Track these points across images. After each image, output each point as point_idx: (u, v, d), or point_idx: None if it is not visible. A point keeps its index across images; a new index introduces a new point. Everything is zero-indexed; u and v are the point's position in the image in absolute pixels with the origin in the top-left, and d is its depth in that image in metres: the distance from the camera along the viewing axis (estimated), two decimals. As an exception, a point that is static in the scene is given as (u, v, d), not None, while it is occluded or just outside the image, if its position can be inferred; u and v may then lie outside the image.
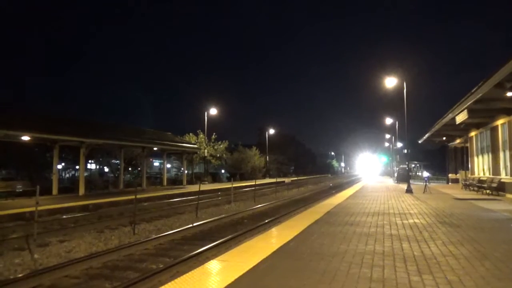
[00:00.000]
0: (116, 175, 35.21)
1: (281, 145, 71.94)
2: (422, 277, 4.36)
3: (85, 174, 27.68)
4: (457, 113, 16.95)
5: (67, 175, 44.62)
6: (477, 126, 20.53)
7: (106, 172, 44.95)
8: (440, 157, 48.05)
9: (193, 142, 38.99)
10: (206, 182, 36.39)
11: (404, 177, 31.95)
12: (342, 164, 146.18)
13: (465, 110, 15.81)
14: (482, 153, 20.67)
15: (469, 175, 23.59)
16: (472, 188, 20.23)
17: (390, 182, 39.74)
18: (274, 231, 8.07)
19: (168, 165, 47.72)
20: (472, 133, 22.43)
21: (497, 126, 17.36)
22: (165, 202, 19.44)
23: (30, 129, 18.60)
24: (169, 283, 4.29)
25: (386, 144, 68.55)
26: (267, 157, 56.34)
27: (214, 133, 42.44)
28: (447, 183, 33.61)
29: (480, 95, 12.85)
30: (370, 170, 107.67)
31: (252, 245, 6.34)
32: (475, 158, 22.18)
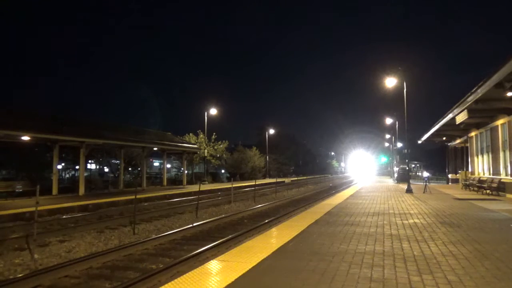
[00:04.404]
0: (116, 175, 35.19)
1: (281, 145, 71.91)
2: (422, 277, 4.36)
3: (85, 174, 27.66)
4: (457, 113, 16.96)
5: (67, 175, 44.50)
6: (477, 126, 20.53)
7: (106, 172, 44.89)
8: (440, 157, 48.02)
9: (193, 142, 38.98)
10: (206, 182, 36.37)
11: (404, 177, 31.97)
12: (342, 164, 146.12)
13: (465, 110, 15.82)
14: (482, 153, 20.67)
15: (469, 175, 23.60)
16: (472, 188, 20.23)
17: (389, 182, 39.75)
18: (274, 231, 8.07)
19: (168, 165, 47.72)
20: (472, 133, 22.43)
21: (497, 126, 17.36)
22: (165, 202, 19.45)
23: (30, 129, 18.60)
24: (169, 283, 4.30)
25: (386, 144, 68.54)
26: (267, 157, 56.32)
27: (214, 133, 42.49)
28: (447, 183, 33.63)
29: (480, 95, 12.86)
30: (367, 170, 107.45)
31: (252, 245, 6.34)
32: (475, 158, 22.18)
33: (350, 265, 4.92)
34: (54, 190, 20.90)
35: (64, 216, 13.98)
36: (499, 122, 16.93)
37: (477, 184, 19.26)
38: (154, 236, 9.83)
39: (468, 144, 24.47)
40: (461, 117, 16.68)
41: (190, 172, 41.25)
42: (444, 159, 36.77)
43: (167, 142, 30.76)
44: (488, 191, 17.33)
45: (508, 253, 5.59)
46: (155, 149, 31.41)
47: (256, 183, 27.38)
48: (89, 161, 39.95)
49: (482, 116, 17.45)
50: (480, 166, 21.20)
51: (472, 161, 23.02)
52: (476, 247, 5.97)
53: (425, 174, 45.76)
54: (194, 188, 25.30)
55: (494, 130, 17.99)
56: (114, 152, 33.36)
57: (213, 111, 40.06)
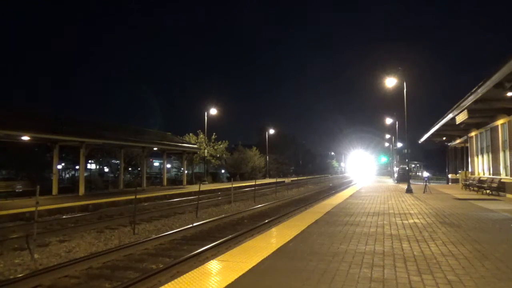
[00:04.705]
0: (116, 175, 35.20)
1: (281, 145, 71.89)
2: (422, 277, 4.36)
3: (85, 174, 27.65)
4: (457, 113, 16.95)
5: (67, 175, 44.50)
6: (477, 126, 20.53)
7: (106, 172, 44.90)
8: (440, 157, 48.04)
9: (193, 142, 38.99)
10: (206, 182, 36.38)
11: (404, 177, 32.01)
12: (342, 164, 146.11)
13: (465, 110, 15.82)
14: (482, 153, 20.67)
15: (469, 175, 23.60)
16: (472, 188, 20.23)
17: (389, 182, 39.76)
18: (274, 231, 8.07)
19: (168, 165, 47.71)
20: (472, 133, 22.43)
21: (497, 126, 17.36)
22: (165, 202, 19.45)
23: (30, 129, 18.60)
24: (169, 283, 4.30)
25: (386, 144, 68.55)
26: (267, 157, 56.32)
27: (214, 133, 42.50)
28: (447, 183, 33.63)
29: (480, 95, 12.85)
30: (367, 170, 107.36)
31: (252, 245, 6.34)
32: (475, 158, 22.18)
33: (350, 265, 4.92)
34: (54, 190, 20.90)
35: (64, 216, 13.99)
36: (499, 122, 16.93)
37: (477, 184, 19.26)
38: (154, 236, 9.83)
39: (468, 144, 24.47)
40: (461, 117, 16.67)
41: (190, 172, 41.25)
42: (444, 159, 36.78)
43: (167, 142, 30.77)
44: (488, 191, 17.33)
45: (508, 253, 5.59)
46: (155, 149, 31.41)
47: (256, 183, 27.39)
48: (89, 161, 39.94)
49: (482, 116, 17.45)
50: (480, 166, 21.20)
51: (472, 161, 23.02)
52: (476, 247, 5.97)
53: (425, 174, 45.82)
54: (194, 188, 25.30)
55: (494, 130, 17.99)
56: (114, 152, 33.38)
57: (213, 111, 40.07)
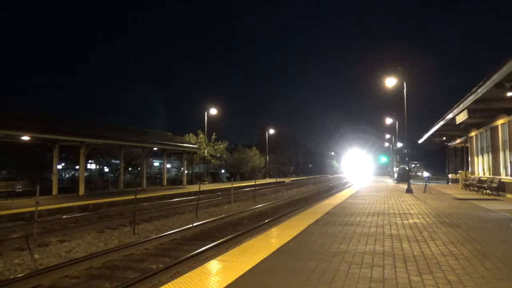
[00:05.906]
0: (116, 175, 35.21)
1: (281, 145, 71.96)
2: (422, 277, 4.36)
3: (85, 174, 27.67)
4: (457, 113, 16.95)
5: (67, 175, 44.54)
6: (477, 126, 20.53)
7: (106, 172, 44.93)
8: (440, 157, 48.07)
9: (193, 142, 38.96)
10: (206, 182, 36.38)
11: (404, 177, 32.00)
12: (342, 164, 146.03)
13: (465, 110, 15.82)
14: (482, 153, 20.68)
15: (469, 175, 23.60)
16: (472, 188, 20.23)
17: (389, 182, 39.76)
18: (274, 231, 8.06)
19: (168, 165, 47.70)
20: (472, 133, 22.43)
21: (497, 126, 17.36)
22: (165, 202, 19.45)
23: (30, 129, 18.60)
24: (169, 283, 4.30)
25: (386, 144, 68.58)
26: (267, 157, 56.32)
27: (214, 133, 42.44)
28: (447, 183, 33.63)
29: (480, 95, 12.85)
30: (367, 170, 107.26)
31: (252, 245, 6.33)
32: (475, 158, 22.19)
33: (350, 265, 4.92)
34: (54, 190, 20.90)
35: (64, 216, 13.99)
36: (499, 122, 16.93)
37: (477, 184, 19.26)
38: (154, 236, 9.83)
39: (468, 144, 24.47)
40: (461, 117, 16.67)
41: (190, 172, 41.25)
42: (444, 159, 36.78)
43: (167, 142, 30.76)
44: (488, 191, 17.32)
45: (508, 253, 5.59)
46: (155, 149, 31.41)
47: (256, 183, 27.40)
48: (89, 161, 39.98)
49: (482, 116, 17.44)
50: (480, 166, 21.20)
51: (472, 161, 23.02)
52: (476, 247, 5.98)
53: (425, 174, 45.83)
54: (194, 188, 25.30)
55: (494, 130, 17.99)
56: (114, 152, 33.36)
57: (213, 111, 40.06)
